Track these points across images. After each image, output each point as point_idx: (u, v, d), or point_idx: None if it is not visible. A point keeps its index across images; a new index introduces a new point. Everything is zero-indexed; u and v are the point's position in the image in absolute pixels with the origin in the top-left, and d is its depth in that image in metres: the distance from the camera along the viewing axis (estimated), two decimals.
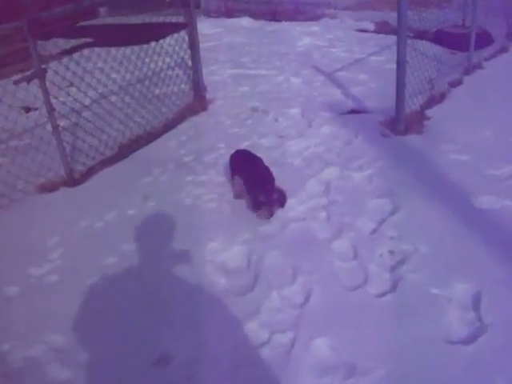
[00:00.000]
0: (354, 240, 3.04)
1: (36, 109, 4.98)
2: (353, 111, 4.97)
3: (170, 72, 5.28)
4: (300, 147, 4.26)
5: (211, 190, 3.70)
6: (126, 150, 4.38)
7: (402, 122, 4.28)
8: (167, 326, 2.51)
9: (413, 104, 4.52)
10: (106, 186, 3.88)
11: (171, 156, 4.27)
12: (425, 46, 5.38)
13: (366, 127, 4.46)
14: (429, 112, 4.62)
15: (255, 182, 3.28)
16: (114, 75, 4.64)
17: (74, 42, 8.09)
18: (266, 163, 3.61)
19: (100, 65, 4.63)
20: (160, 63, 5.17)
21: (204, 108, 5.10)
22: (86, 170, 4.07)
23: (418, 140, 4.16)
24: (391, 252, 2.92)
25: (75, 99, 4.18)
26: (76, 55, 6.32)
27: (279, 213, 3.30)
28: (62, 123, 4.02)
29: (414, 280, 2.65)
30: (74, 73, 4.13)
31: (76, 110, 4.41)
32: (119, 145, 4.41)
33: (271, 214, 3.25)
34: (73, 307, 2.66)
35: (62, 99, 4.10)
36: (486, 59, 5.98)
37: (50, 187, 3.83)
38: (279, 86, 5.74)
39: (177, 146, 4.48)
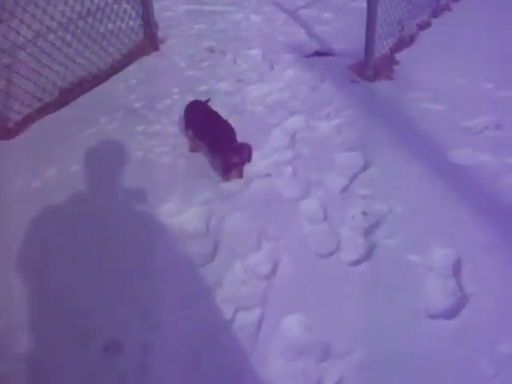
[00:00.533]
0: (324, 199, 2.78)
1: None
2: (318, 53, 4.61)
3: (116, 7, 4.72)
4: (261, 92, 3.91)
5: (165, 142, 3.35)
6: (67, 96, 3.91)
7: (371, 66, 3.97)
8: (117, 304, 2.22)
9: (382, 47, 4.19)
10: (44, 137, 3.44)
11: (119, 102, 3.85)
12: None
13: (332, 71, 4.13)
14: (398, 56, 4.33)
15: (217, 140, 2.94)
16: (50, 10, 4.06)
17: None
18: (225, 111, 3.29)
19: None
20: None
21: (155, 48, 4.63)
22: (22, 119, 3.58)
23: (388, 86, 3.88)
24: (364, 213, 2.68)
25: (6, 38, 3.63)
26: None
27: None
28: None
29: (390, 246, 2.42)
30: (3, 8, 3.56)
31: (7, 50, 3.85)
32: (60, 89, 3.92)
33: (242, 176, 2.92)
34: (6, 287, 2.31)
35: None
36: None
37: None
38: (238, 25, 5.28)
39: (126, 90, 4.04)
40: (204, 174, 3.02)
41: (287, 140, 3.31)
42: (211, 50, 4.64)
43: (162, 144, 3.32)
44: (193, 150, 3.21)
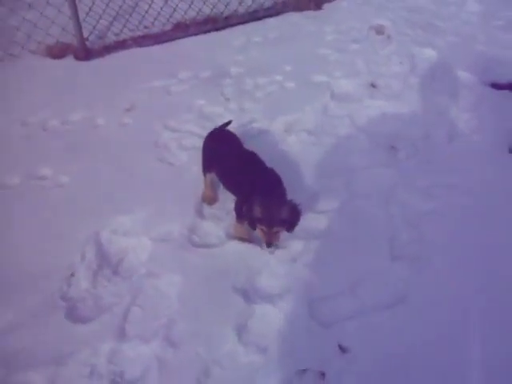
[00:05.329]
0: None
1: None
2: None
3: None
4: None
5: None
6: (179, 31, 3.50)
7: None
8: None
9: None
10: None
11: None
12: None
13: None
14: None
15: (258, 191, 1.90)
16: None
17: None
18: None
19: None
20: None
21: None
22: (105, 45, 3.28)
23: None
24: None
25: None
26: None
27: None
28: None
29: None
30: None
31: None
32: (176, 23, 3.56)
33: (278, 240, 1.93)
34: None
35: None
36: None
37: (55, 52, 3.08)
38: None
39: None
40: None
41: None
42: None
43: None
44: (210, 200, 2.23)
